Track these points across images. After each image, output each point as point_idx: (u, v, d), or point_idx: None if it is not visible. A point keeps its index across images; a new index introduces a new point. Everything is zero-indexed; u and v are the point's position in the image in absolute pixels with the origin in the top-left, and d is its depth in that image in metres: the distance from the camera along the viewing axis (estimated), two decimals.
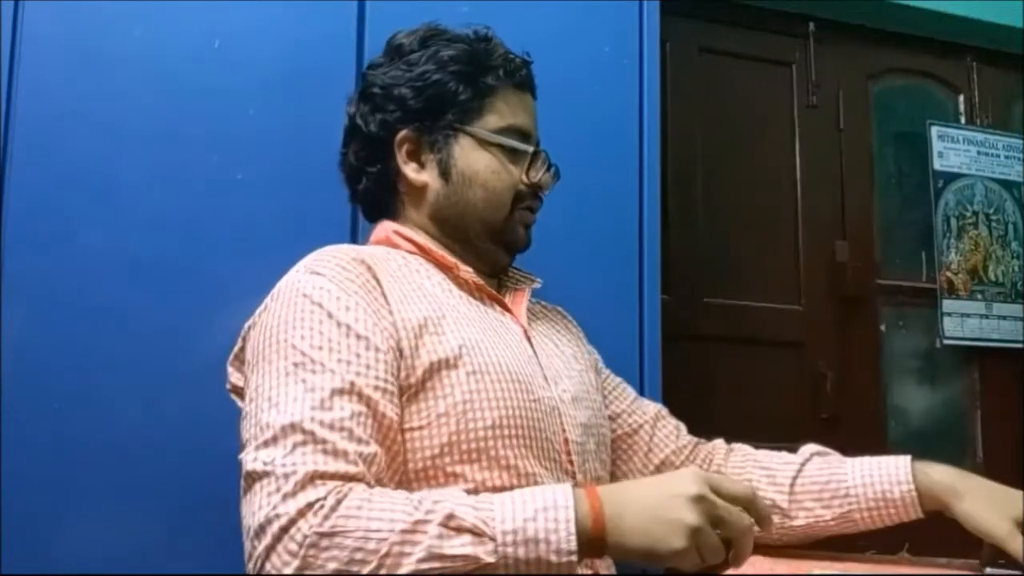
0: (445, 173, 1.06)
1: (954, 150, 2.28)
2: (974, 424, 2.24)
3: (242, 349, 0.98)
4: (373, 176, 1.09)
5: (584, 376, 1.09)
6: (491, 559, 0.76)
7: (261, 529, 0.77)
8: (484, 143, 1.06)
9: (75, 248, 1.23)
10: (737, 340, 2.06)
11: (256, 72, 1.34)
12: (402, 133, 1.07)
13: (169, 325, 1.25)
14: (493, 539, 0.76)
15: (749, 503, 0.81)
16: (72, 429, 1.20)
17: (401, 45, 1.09)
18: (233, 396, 1.01)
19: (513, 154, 1.07)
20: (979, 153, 2.30)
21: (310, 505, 0.77)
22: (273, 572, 0.76)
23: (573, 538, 0.77)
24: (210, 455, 1.24)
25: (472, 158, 1.06)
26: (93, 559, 1.18)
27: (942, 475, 1.05)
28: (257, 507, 0.79)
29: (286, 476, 0.78)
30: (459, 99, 1.05)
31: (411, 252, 1.05)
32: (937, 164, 2.26)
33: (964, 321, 2.20)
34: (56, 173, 1.24)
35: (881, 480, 1.07)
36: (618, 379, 1.21)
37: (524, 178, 1.08)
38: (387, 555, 0.75)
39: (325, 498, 0.77)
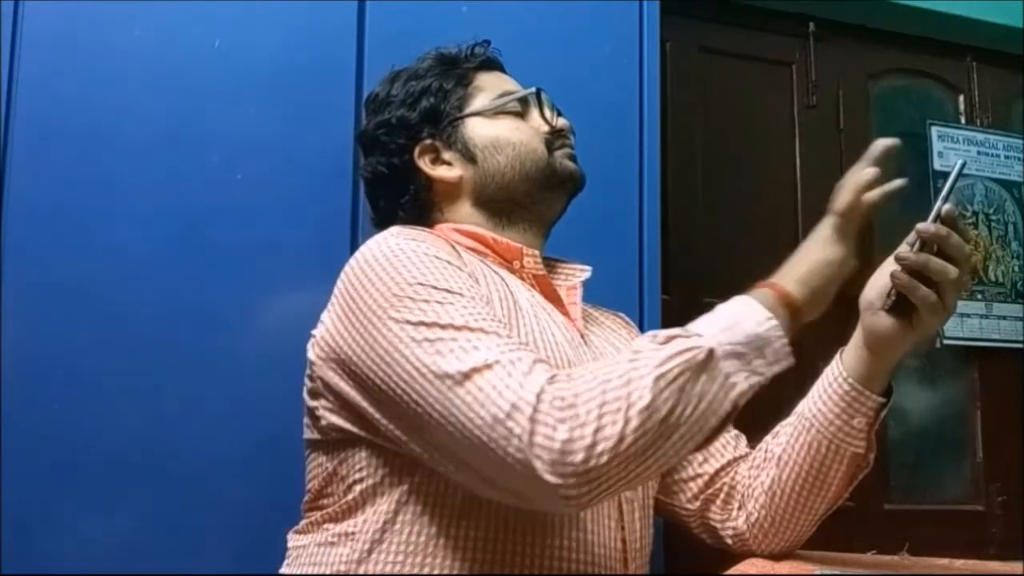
0: (470, 156, 1.09)
1: (954, 150, 2.28)
2: (974, 424, 2.23)
3: (346, 319, 0.92)
4: (409, 202, 1.11)
5: None
6: (709, 344, 0.83)
7: (514, 408, 0.79)
8: (490, 114, 1.10)
9: (75, 248, 1.24)
10: None
11: (256, 72, 1.34)
12: (417, 148, 1.10)
13: (168, 324, 1.25)
14: (699, 335, 0.84)
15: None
16: (72, 429, 1.20)
17: (376, 94, 1.15)
18: (318, 366, 0.98)
19: (520, 114, 1.11)
20: (979, 153, 2.30)
21: (553, 377, 0.81)
22: (543, 442, 0.78)
23: (761, 307, 0.90)
24: (210, 456, 1.25)
25: (486, 129, 1.10)
26: (93, 559, 1.19)
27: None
28: (497, 393, 0.80)
29: (512, 363, 0.82)
30: (448, 92, 1.11)
31: (470, 250, 1.05)
32: (937, 164, 2.26)
33: (964, 321, 2.19)
34: (56, 173, 1.24)
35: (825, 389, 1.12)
36: None
37: (543, 125, 1.11)
38: (630, 381, 0.80)
39: (558, 373, 0.82)
